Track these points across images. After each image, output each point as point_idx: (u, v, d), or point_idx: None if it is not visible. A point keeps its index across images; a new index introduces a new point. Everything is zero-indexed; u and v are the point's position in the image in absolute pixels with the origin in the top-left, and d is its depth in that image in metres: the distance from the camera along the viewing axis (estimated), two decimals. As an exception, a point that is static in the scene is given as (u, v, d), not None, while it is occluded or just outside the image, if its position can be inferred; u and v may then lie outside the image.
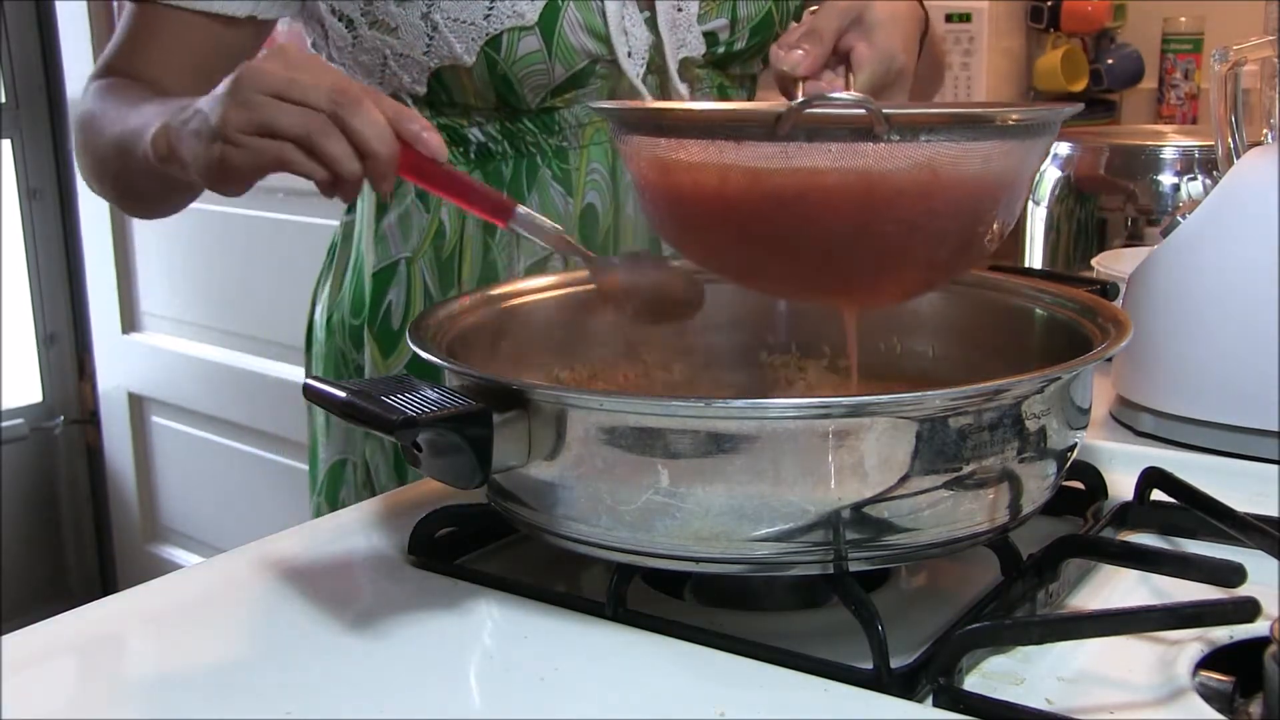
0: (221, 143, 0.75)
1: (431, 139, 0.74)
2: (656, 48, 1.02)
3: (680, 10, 1.02)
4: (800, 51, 0.86)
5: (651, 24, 1.02)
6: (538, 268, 1.03)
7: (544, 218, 0.78)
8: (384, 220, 1.06)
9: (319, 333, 1.13)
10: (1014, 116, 0.65)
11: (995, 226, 0.67)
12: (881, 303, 0.69)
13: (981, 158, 0.62)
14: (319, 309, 1.14)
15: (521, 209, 0.77)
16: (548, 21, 0.97)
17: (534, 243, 0.84)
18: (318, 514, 1.15)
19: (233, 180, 0.77)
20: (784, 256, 0.67)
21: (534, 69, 0.98)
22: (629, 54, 1.00)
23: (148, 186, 0.96)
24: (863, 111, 0.60)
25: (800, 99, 0.61)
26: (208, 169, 0.77)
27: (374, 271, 1.07)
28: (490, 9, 0.96)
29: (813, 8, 0.94)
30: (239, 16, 0.99)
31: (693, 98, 1.06)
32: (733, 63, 1.08)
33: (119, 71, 1.00)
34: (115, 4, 2.71)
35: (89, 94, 0.99)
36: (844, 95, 0.59)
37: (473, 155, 1.03)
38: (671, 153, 0.66)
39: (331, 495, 1.14)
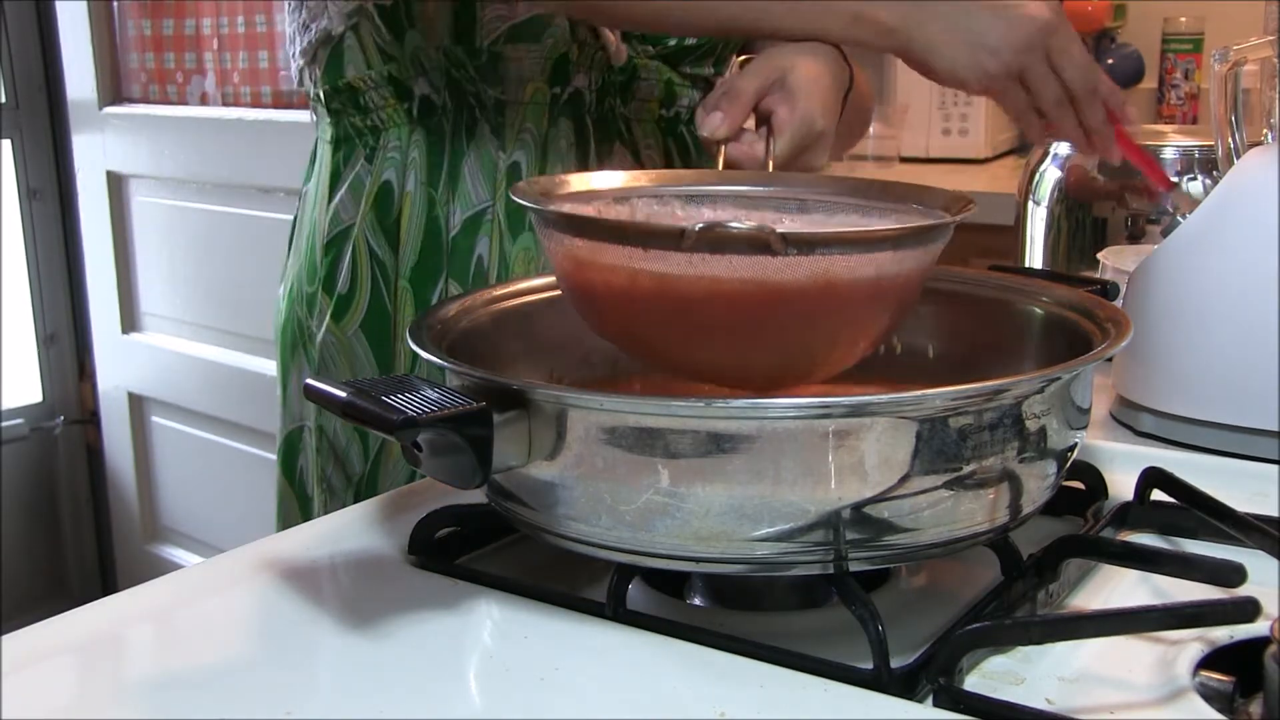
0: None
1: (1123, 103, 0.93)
2: None
3: None
4: (719, 114, 0.89)
5: None
6: (474, 222, 1.05)
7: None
8: (336, 191, 1.08)
9: (281, 303, 1.15)
10: (905, 231, 0.67)
11: (892, 318, 0.71)
12: (783, 390, 0.72)
13: (875, 266, 0.66)
14: (282, 284, 1.16)
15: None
16: None
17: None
18: (278, 489, 1.15)
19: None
20: (689, 350, 0.70)
21: None
22: None
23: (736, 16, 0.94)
24: (762, 236, 0.63)
25: (700, 224, 0.63)
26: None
27: (325, 242, 1.09)
28: None
29: (743, 57, 0.95)
30: None
31: (636, 84, 1.07)
32: (683, 60, 1.08)
33: None
34: (115, 4, 2.71)
35: None
36: (743, 225, 0.63)
37: (415, 112, 1.05)
38: (584, 253, 0.68)
39: (288, 467, 1.13)
